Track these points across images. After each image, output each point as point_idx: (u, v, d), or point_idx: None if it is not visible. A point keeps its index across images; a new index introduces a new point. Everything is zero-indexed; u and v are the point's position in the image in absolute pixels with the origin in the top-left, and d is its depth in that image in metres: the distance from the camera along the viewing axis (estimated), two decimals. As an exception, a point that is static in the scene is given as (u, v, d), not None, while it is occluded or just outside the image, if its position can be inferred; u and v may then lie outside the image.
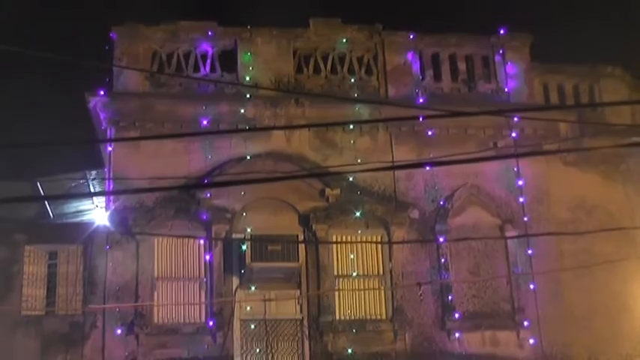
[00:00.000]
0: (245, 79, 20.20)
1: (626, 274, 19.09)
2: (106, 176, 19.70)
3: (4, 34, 20.38)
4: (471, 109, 17.77)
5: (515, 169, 20.16)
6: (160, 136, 19.03)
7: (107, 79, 19.74)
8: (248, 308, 18.96)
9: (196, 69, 20.39)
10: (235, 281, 19.03)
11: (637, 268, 19.14)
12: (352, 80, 20.66)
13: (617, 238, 18.48)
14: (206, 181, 19.21)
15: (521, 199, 20.07)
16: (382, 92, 20.69)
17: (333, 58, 20.79)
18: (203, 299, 19.01)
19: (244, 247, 18.66)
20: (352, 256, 19.50)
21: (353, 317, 19.15)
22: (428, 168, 19.84)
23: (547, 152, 19.59)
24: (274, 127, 19.79)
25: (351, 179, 19.53)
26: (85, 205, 21.41)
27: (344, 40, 20.83)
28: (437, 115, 19.44)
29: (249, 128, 19.50)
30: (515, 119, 19.77)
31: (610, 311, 19.01)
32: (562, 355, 18.88)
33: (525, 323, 19.17)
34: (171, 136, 19.16)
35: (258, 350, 18.81)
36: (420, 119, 19.33)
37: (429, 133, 19.80)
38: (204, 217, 19.04)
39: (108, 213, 19.23)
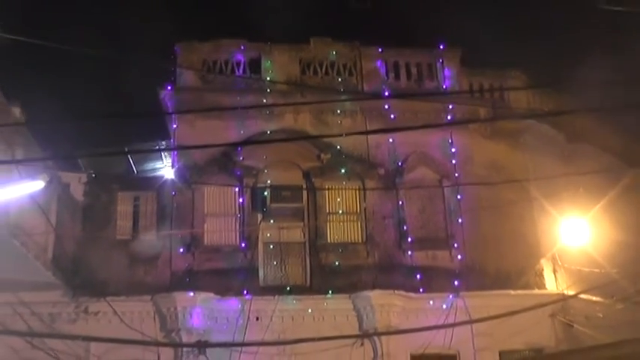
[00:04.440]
0: (266, 78, 20.54)
1: (522, 213, 19.54)
2: (172, 144, 20.27)
3: (101, 44, 21.06)
4: (420, 98, 19.20)
5: (450, 141, 20.57)
6: (215, 108, 19.57)
7: (172, 79, 20.21)
8: (268, 235, 19.47)
9: (233, 71, 20.65)
10: (259, 216, 19.48)
11: (528, 208, 19.60)
12: (339, 79, 20.98)
13: (515, 189, 18.90)
14: (239, 148, 19.52)
15: (453, 161, 20.47)
16: (360, 87, 21.03)
17: (326, 65, 21.14)
18: (238, 228, 19.45)
19: (265, 193, 19.21)
20: (339, 200, 20.02)
21: (339, 241, 19.66)
22: (391, 140, 20.31)
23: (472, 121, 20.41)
24: (286, 103, 19.82)
25: (338, 147, 20.01)
26: (158, 164, 22.01)
27: (334, 53, 21.23)
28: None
29: (268, 112, 20.11)
30: (450, 106, 20.28)
31: (511, 238, 19.38)
32: (479, 266, 19.33)
33: (455, 245, 19.66)
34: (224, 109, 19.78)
35: (274, 263, 19.30)
36: (386, 106, 20.15)
37: (392, 116, 20.05)
38: (238, 173, 19.61)
39: (173, 170, 19.87)
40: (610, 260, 16.40)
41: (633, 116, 16.02)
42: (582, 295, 17.45)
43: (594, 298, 18.37)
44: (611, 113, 17.96)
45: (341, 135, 19.87)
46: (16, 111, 17.20)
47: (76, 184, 19.21)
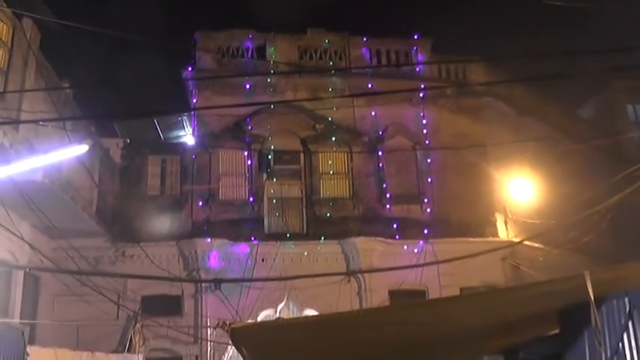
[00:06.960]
0: (271, 62, 20.56)
1: (480, 173, 19.62)
2: (193, 116, 20.44)
3: (133, 30, 21.08)
4: (397, 79, 19.27)
5: (422, 114, 20.74)
6: (226, 75, 20.07)
7: (192, 61, 20.35)
8: (272, 191, 19.77)
9: (243, 56, 20.70)
10: (264, 176, 19.78)
11: (486, 169, 19.65)
12: (331, 63, 21.05)
13: (475, 154, 19.10)
14: (248, 119, 19.80)
15: (425, 131, 20.65)
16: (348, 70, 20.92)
17: (320, 51, 21.18)
18: (247, 186, 19.68)
19: (270, 157, 19.72)
20: (330, 162, 20.22)
21: (330, 196, 19.89)
22: (373, 113, 20.47)
23: (440, 86, 20.70)
24: (288, 72, 20.29)
25: (330, 119, 20.23)
26: (181, 132, 22.15)
27: (327, 41, 21.25)
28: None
29: (272, 90, 20.22)
30: (422, 85, 20.34)
31: (471, 194, 19.55)
32: (445, 217, 19.58)
33: (425, 200, 19.95)
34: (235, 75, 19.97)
35: (277, 214, 19.65)
36: (369, 85, 19.98)
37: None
38: (247, 139, 19.83)
39: (194, 137, 20.09)
40: (549, 213, 16.55)
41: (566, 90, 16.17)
42: (527, 243, 17.69)
43: (536, 245, 18.70)
44: (550, 86, 18.16)
45: (331, 109, 19.84)
46: (66, 86, 17.54)
47: (115, 148, 19.50)
